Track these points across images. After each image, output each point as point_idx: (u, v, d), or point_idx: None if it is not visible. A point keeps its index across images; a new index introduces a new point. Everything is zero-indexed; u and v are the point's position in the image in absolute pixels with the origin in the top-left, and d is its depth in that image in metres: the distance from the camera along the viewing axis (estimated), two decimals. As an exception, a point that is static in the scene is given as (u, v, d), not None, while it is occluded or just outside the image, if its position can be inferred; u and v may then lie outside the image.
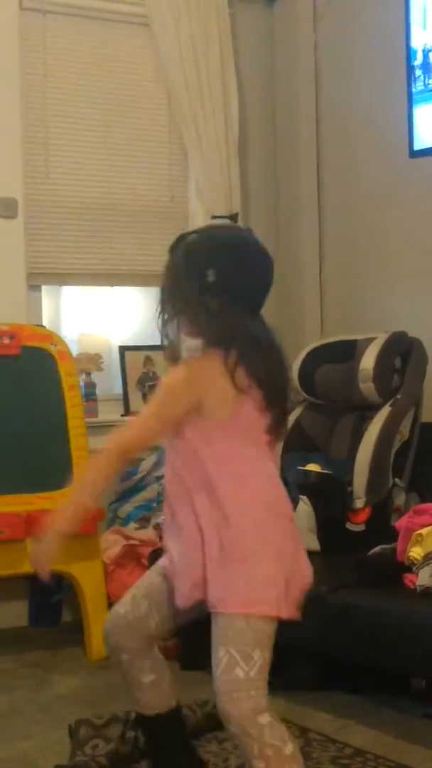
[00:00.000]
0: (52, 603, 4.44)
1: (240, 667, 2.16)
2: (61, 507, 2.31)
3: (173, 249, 2.32)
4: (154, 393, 2.33)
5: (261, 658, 2.18)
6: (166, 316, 2.31)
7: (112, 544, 4.27)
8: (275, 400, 2.29)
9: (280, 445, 2.37)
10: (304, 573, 2.32)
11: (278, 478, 2.38)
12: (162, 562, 2.43)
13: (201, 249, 2.29)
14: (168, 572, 2.38)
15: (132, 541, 4.25)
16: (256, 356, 2.23)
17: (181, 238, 2.33)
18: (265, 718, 2.16)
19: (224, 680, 2.17)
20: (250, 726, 2.15)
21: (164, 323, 2.31)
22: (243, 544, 2.22)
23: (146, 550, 4.09)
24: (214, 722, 3.04)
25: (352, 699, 3.38)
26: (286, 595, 2.23)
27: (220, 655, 2.18)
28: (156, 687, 2.46)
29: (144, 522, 4.45)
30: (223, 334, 2.22)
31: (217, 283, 2.24)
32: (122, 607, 2.45)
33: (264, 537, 2.24)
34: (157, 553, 3.92)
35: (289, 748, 2.18)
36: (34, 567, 2.29)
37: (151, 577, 2.46)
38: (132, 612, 2.41)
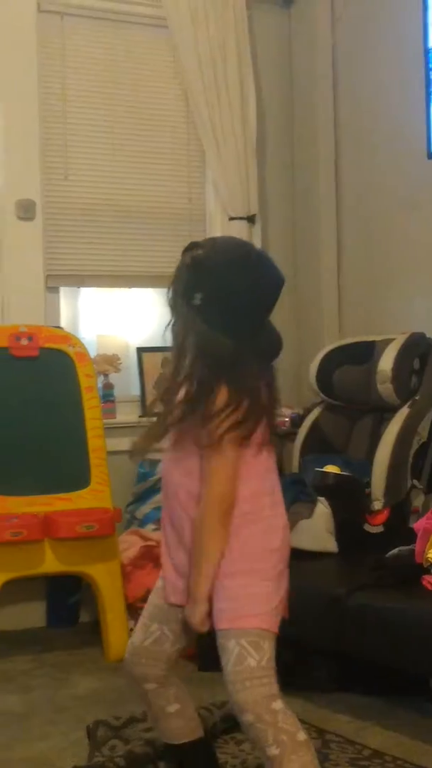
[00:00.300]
0: (70, 604, 4.44)
1: (251, 656, 2.19)
2: (198, 579, 2.25)
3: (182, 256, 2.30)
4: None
5: (270, 648, 2.22)
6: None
7: (129, 545, 4.27)
8: (270, 419, 2.30)
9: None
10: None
11: (278, 484, 2.37)
12: (159, 583, 2.44)
13: (196, 269, 2.26)
14: (169, 587, 2.38)
15: (149, 542, 4.25)
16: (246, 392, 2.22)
17: (188, 249, 2.31)
18: (278, 704, 2.20)
19: (237, 670, 2.19)
20: (264, 712, 2.17)
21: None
22: (242, 558, 2.25)
23: (164, 552, 4.09)
24: (231, 723, 3.04)
25: (370, 700, 3.37)
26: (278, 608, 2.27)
27: (230, 647, 2.20)
28: (181, 716, 2.47)
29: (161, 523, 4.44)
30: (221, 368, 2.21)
31: (202, 307, 2.23)
32: (136, 638, 2.45)
33: (262, 551, 2.27)
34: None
35: (302, 735, 2.21)
36: (195, 628, 2.28)
37: (152, 600, 2.46)
38: (147, 639, 2.42)
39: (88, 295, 4.94)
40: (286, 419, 4.39)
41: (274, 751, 2.17)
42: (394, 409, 4.04)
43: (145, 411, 4.32)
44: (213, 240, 2.43)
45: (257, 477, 2.29)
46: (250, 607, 2.22)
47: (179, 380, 2.25)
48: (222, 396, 2.19)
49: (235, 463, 2.22)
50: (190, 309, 2.24)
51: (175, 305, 2.28)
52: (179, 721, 2.47)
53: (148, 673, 2.42)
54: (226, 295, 2.22)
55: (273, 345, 2.32)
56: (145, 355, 4.85)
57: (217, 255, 2.27)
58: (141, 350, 4.86)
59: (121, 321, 5.00)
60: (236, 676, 2.19)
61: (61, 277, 4.69)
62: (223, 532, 2.22)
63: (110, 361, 4.68)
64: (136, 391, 4.86)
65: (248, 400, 2.20)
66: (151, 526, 4.42)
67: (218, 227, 4.82)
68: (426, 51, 4.22)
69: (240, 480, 2.25)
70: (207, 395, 2.19)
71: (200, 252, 2.26)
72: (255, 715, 2.18)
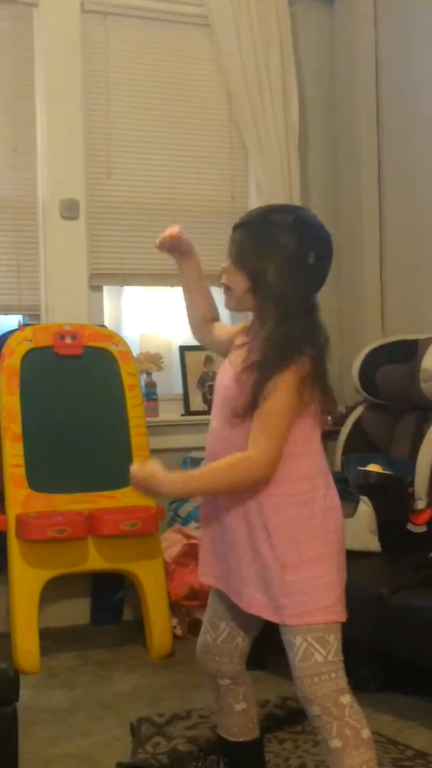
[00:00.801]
0: (113, 601, 4.46)
1: (318, 652, 2.19)
2: (177, 478, 2.22)
3: (275, 229, 2.22)
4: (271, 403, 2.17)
5: (336, 639, 2.21)
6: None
7: (172, 543, 4.29)
8: (327, 401, 2.27)
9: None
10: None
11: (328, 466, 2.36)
12: (209, 581, 2.41)
13: (307, 229, 2.25)
14: (221, 582, 2.36)
15: (192, 540, 4.26)
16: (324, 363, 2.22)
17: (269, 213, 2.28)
18: (346, 699, 2.21)
19: (305, 666, 2.20)
20: (332, 705, 2.19)
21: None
22: (308, 545, 2.22)
23: (207, 550, 4.09)
24: (275, 722, 3.05)
25: (413, 701, 3.36)
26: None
27: (297, 643, 2.20)
28: (245, 715, 2.48)
29: (205, 521, 4.46)
30: (306, 333, 2.20)
31: (314, 266, 2.23)
32: (206, 636, 2.45)
33: (325, 534, 2.25)
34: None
35: (367, 732, 2.22)
36: (134, 486, 2.21)
37: (210, 603, 2.46)
38: (218, 637, 2.42)
39: (131, 293, 4.96)
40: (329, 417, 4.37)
41: (336, 743, 2.18)
42: (437, 408, 4.02)
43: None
44: (287, 205, 2.42)
45: (316, 454, 2.27)
46: (316, 600, 2.20)
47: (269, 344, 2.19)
48: (308, 360, 2.18)
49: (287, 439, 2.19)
50: (302, 268, 2.21)
51: (267, 267, 2.20)
52: (242, 719, 2.48)
53: (222, 670, 2.42)
54: (329, 255, 2.27)
55: None
56: (188, 354, 4.86)
57: (312, 216, 2.31)
58: (184, 349, 4.87)
59: (164, 320, 5.01)
60: (304, 671, 2.20)
61: (105, 276, 4.71)
62: (226, 488, 2.21)
63: (153, 360, 4.69)
64: (178, 389, 4.87)
65: (324, 365, 2.21)
66: (194, 524, 4.43)
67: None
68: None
69: (299, 456, 2.22)
70: (296, 357, 2.16)
71: (295, 214, 2.27)
72: (322, 708, 2.19)
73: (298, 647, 2.20)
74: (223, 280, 2.27)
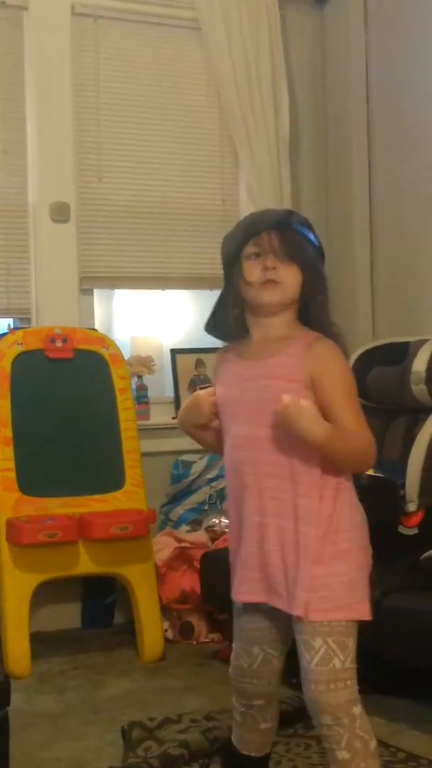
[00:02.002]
0: (105, 605, 4.46)
1: (337, 657, 2.17)
2: (324, 427, 2.18)
3: (306, 224, 2.35)
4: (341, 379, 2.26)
5: (354, 645, 2.21)
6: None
7: (164, 546, 4.29)
8: None
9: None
10: None
11: None
12: (239, 605, 2.36)
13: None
14: (268, 595, 2.29)
15: (184, 544, 4.26)
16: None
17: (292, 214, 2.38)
18: (358, 709, 2.19)
19: (322, 671, 2.17)
20: (344, 716, 2.16)
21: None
22: (333, 539, 2.23)
23: (198, 553, 4.10)
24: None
25: (405, 703, 3.36)
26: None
27: (317, 646, 2.17)
28: (266, 734, 2.45)
29: (196, 524, 4.46)
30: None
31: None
32: (243, 661, 2.38)
33: (362, 524, 2.30)
34: (208, 556, 3.93)
35: (374, 743, 2.20)
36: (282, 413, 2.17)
37: (241, 625, 2.39)
38: (254, 662, 2.37)
39: (122, 296, 4.96)
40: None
41: (345, 755, 2.16)
42: (428, 410, 4.01)
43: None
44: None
45: None
46: (341, 596, 2.19)
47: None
48: None
49: None
50: (321, 261, 2.36)
51: (313, 258, 2.34)
52: (263, 737, 2.45)
53: (260, 692, 2.38)
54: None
55: None
56: (179, 357, 4.85)
57: None
58: (175, 352, 4.87)
59: (155, 322, 5.01)
60: (321, 676, 2.17)
61: (95, 279, 4.71)
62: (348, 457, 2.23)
63: (144, 363, 4.69)
64: (169, 392, 4.87)
65: None
66: (185, 528, 4.43)
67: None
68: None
69: None
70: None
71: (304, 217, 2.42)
72: (334, 718, 2.16)
73: (317, 650, 2.17)
74: (271, 276, 2.27)
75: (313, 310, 2.32)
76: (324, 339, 2.28)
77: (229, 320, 2.34)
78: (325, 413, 2.19)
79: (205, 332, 2.41)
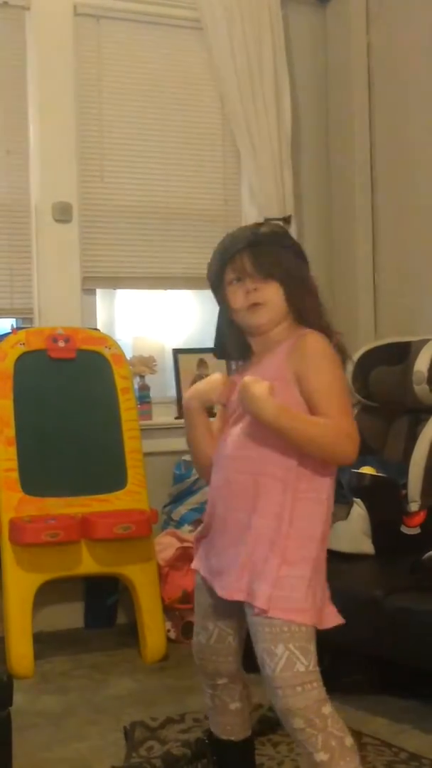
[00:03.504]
0: (107, 605, 4.46)
1: (300, 662, 2.17)
2: (278, 406, 2.18)
3: (276, 235, 2.35)
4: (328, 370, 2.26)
5: (314, 648, 2.20)
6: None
7: (166, 546, 4.29)
8: None
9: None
10: None
11: None
12: (199, 581, 2.42)
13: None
14: (209, 575, 2.35)
15: (186, 544, 4.25)
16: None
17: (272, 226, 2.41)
18: (327, 709, 2.19)
19: (286, 676, 2.17)
20: (315, 716, 2.16)
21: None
22: (311, 544, 2.23)
23: (200, 553, 4.09)
24: (268, 725, 3.04)
25: (407, 703, 3.35)
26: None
27: (279, 653, 2.18)
28: (239, 715, 2.47)
29: (198, 524, 4.44)
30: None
31: None
32: (201, 637, 2.43)
33: (323, 538, 2.26)
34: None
35: (349, 740, 2.21)
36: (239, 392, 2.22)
37: (198, 599, 2.45)
38: (210, 637, 2.41)
39: (124, 296, 4.96)
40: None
41: (322, 756, 2.16)
42: (430, 410, 4.02)
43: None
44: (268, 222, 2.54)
45: None
46: (305, 598, 2.19)
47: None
48: None
49: None
50: (307, 264, 2.37)
51: (292, 269, 2.33)
52: (236, 718, 2.46)
53: (220, 669, 2.41)
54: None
55: None
56: (181, 357, 4.85)
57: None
58: (177, 352, 4.87)
59: (157, 323, 5.01)
60: (286, 681, 2.17)
61: (98, 279, 4.71)
62: (310, 443, 2.19)
63: (146, 363, 4.69)
64: (172, 392, 4.87)
65: None
66: (187, 528, 4.43)
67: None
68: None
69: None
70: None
71: (280, 227, 2.51)
72: (305, 720, 2.16)
73: (280, 656, 2.17)
74: (253, 300, 2.29)
75: (305, 314, 2.32)
76: (311, 334, 2.27)
77: (232, 344, 2.39)
78: (311, 406, 2.21)
79: (217, 358, 2.48)
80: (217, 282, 2.35)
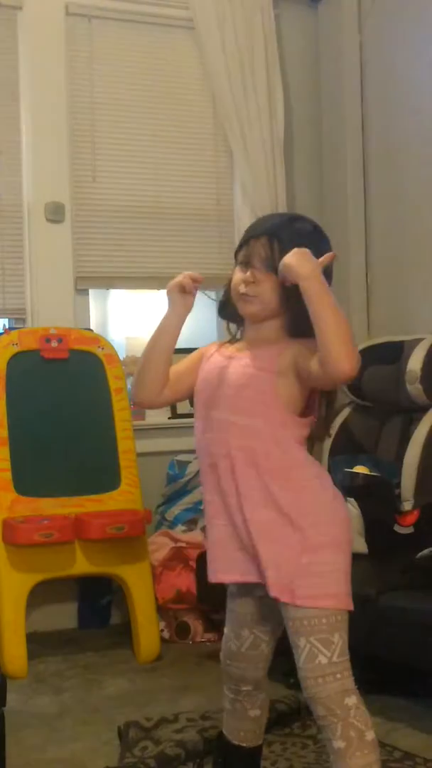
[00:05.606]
0: (101, 605, 4.46)
1: (322, 654, 2.19)
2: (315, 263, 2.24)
3: (297, 233, 2.33)
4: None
5: (340, 639, 2.21)
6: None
7: (160, 546, 4.29)
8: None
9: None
10: None
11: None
12: (233, 589, 2.39)
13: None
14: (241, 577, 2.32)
15: (180, 544, 4.26)
16: None
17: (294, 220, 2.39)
18: (352, 700, 2.21)
19: (308, 668, 2.20)
20: (336, 706, 2.19)
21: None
22: (324, 531, 2.23)
23: (194, 553, 4.10)
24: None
25: (401, 702, 3.36)
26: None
27: (301, 645, 2.21)
28: (256, 722, 2.48)
29: (191, 524, 4.46)
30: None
31: None
32: (230, 642, 2.42)
33: (343, 520, 2.29)
34: (204, 556, 3.92)
35: (371, 734, 2.22)
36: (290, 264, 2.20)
37: (231, 607, 2.43)
38: (242, 645, 2.40)
39: (117, 296, 4.95)
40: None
41: (340, 744, 2.19)
42: (423, 410, 4.02)
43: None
44: (301, 215, 2.51)
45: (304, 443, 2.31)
46: (328, 585, 2.20)
47: None
48: None
49: None
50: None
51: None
52: (253, 725, 2.48)
53: (247, 676, 2.41)
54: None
55: None
56: (175, 357, 4.80)
57: (320, 227, 2.52)
58: (170, 351, 4.86)
59: (150, 322, 5.00)
60: (308, 672, 2.20)
61: (90, 279, 4.70)
62: (336, 326, 2.18)
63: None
64: (165, 392, 4.86)
65: None
66: (181, 528, 4.43)
67: (247, 226, 4.82)
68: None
69: (302, 443, 2.28)
70: None
71: (312, 224, 2.45)
72: (326, 709, 2.19)
73: (302, 649, 2.20)
74: (244, 290, 2.29)
75: (299, 321, 2.25)
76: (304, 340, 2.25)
77: (232, 309, 2.40)
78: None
79: (219, 316, 2.50)
80: (237, 251, 2.36)
